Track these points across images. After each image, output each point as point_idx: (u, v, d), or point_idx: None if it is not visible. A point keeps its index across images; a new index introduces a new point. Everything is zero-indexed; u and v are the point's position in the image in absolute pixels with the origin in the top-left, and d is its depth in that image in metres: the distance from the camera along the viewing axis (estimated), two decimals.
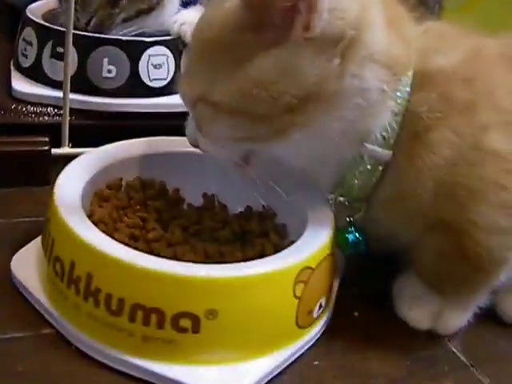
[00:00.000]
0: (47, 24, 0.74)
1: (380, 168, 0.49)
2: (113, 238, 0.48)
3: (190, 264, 0.45)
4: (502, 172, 0.48)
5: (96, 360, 0.46)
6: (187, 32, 0.73)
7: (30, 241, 0.57)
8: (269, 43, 0.44)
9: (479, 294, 0.53)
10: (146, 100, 0.73)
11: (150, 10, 0.76)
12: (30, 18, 0.75)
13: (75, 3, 0.68)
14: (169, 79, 0.75)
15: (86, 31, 0.73)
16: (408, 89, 0.48)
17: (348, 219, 0.53)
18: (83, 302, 0.46)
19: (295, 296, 0.47)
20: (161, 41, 0.73)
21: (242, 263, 0.46)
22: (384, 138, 0.48)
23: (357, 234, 0.53)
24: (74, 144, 0.71)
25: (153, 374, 0.44)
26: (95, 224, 0.50)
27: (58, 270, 0.48)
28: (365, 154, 0.49)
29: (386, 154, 0.49)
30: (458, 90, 0.48)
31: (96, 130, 0.72)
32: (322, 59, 0.44)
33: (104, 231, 0.49)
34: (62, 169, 0.58)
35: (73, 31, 0.67)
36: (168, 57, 0.74)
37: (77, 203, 0.50)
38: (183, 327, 0.44)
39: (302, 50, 0.44)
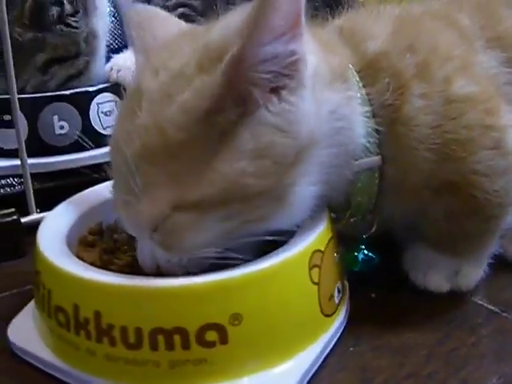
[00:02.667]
0: None
1: (376, 175, 0.48)
2: None
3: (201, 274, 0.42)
4: (482, 113, 0.47)
5: None
6: (126, 78, 0.73)
7: (18, 312, 0.52)
8: (241, 117, 0.40)
9: (491, 243, 0.52)
10: (102, 150, 0.70)
11: (79, 73, 0.76)
12: None
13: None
14: None
15: None
16: (362, 89, 0.47)
17: (362, 237, 0.51)
18: (97, 345, 0.41)
19: (313, 282, 0.44)
20: (105, 87, 0.71)
21: (254, 261, 0.43)
22: (368, 145, 0.47)
23: (369, 253, 0.51)
24: (42, 209, 0.67)
25: None
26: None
27: (62, 319, 0.43)
28: (358, 169, 0.47)
29: (376, 159, 0.47)
30: (403, 60, 0.47)
31: (60, 189, 0.68)
32: None
33: None
34: (35, 237, 0.54)
35: (18, 96, 0.64)
36: (116, 102, 0.72)
37: (64, 249, 0.47)
38: (210, 341, 0.40)
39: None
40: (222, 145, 0.40)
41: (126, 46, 0.79)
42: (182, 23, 0.54)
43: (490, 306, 0.51)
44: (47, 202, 0.67)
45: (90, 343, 0.42)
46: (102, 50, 0.78)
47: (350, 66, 0.47)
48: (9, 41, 0.62)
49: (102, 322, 0.41)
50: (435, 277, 0.52)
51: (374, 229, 0.51)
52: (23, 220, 0.66)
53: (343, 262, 0.50)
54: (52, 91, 0.74)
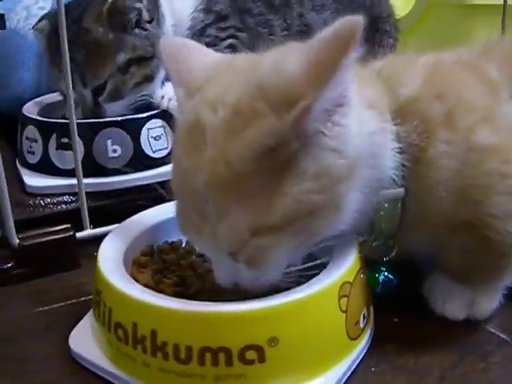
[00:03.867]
0: (48, 119, 0.79)
1: (399, 205, 0.54)
2: None
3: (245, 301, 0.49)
4: (500, 162, 0.53)
5: None
6: (176, 106, 0.80)
7: (78, 321, 0.61)
8: (303, 145, 0.45)
9: (505, 277, 0.58)
10: (153, 171, 0.79)
11: (152, 75, 0.85)
12: (30, 117, 0.81)
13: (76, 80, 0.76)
14: (169, 148, 0.80)
15: (96, 105, 0.81)
16: (394, 127, 0.53)
17: (383, 259, 0.58)
18: (152, 359, 0.49)
19: (341, 310, 0.51)
20: (155, 114, 0.79)
21: (291, 290, 0.50)
22: (394, 177, 0.53)
23: (389, 275, 0.58)
24: (95, 225, 0.76)
25: None
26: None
27: (121, 335, 0.51)
28: (383, 198, 0.54)
29: (400, 191, 0.54)
30: (432, 107, 0.53)
31: (112, 207, 0.77)
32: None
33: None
34: (89, 250, 0.63)
35: (76, 121, 0.72)
36: (165, 127, 0.80)
37: (123, 271, 0.55)
38: (250, 359, 0.48)
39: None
40: (287, 170, 0.45)
41: None
42: (212, 53, 0.58)
43: (501, 335, 0.57)
44: (99, 219, 0.76)
45: (146, 357, 0.49)
46: None
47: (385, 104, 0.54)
48: (69, 69, 0.70)
49: (158, 339, 0.49)
50: (452, 305, 0.58)
51: (394, 253, 0.57)
52: (78, 235, 0.75)
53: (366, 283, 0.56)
54: (129, 91, 0.83)
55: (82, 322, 0.61)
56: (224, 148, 0.45)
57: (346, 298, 0.51)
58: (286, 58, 0.46)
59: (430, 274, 0.61)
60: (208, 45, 0.86)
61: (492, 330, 0.58)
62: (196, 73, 0.53)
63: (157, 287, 0.57)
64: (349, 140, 0.47)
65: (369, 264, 0.57)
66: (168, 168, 0.77)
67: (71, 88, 0.70)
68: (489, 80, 0.57)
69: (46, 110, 0.88)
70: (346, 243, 0.55)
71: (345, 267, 0.52)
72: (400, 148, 0.53)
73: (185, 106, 0.52)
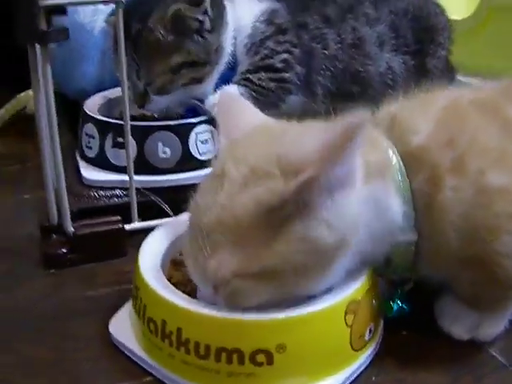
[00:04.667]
0: (106, 119, 0.89)
1: (412, 248, 0.59)
2: (191, 295, 0.60)
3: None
4: (509, 203, 0.56)
5: None
6: None
7: (119, 306, 0.70)
8: (299, 211, 0.52)
9: (511, 306, 0.63)
10: (198, 172, 0.87)
11: (201, 79, 0.92)
12: (89, 115, 0.90)
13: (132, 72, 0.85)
14: (216, 151, 0.88)
15: (145, 95, 0.90)
16: (403, 175, 0.58)
17: (398, 291, 0.64)
18: (176, 352, 0.58)
19: (347, 325, 0.58)
20: (204, 120, 0.87)
21: (300, 305, 0.57)
22: (405, 224, 0.58)
23: (403, 305, 0.63)
24: (143, 218, 0.85)
25: None
26: (175, 285, 0.62)
27: (152, 328, 0.60)
28: (395, 243, 0.59)
29: (412, 236, 0.59)
30: (442, 154, 0.57)
31: (156, 204, 0.86)
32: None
33: (183, 291, 0.61)
34: (135, 240, 0.72)
35: (130, 123, 0.81)
36: (212, 131, 0.88)
37: (159, 272, 0.63)
38: (260, 362, 0.55)
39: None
40: (279, 229, 0.52)
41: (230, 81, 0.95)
42: (259, 115, 0.66)
43: (501, 359, 0.62)
44: (148, 212, 0.85)
45: (171, 349, 0.58)
46: (222, 64, 0.94)
47: (394, 152, 0.59)
48: (125, 75, 0.78)
49: (182, 336, 0.57)
50: (458, 326, 0.63)
51: (409, 286, 0.64)
52: (127, 227, 0.84)
53: (380, 308, 0.63)
54: (175, 89, 0.90)
55: (122, 309, 0.70)
56: (234, 197, 0.53)
57: (352, 315, 0.58)
58: (306, 134, 0.54)
59: (441, 294, 0.66)
60: (265, 57, 0.94)
61: (493, 354, 0.63)
62: (240, 131, 0.61)
63: (186, 286, 0.66)
64: (345, 219, 0.53)
65: (384, 290, 0.64)
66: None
67: (127, 94, 0.78)
68: (505, 119, 0.60)
69: (106, 105, 0.97)
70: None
71: (354, 287, 0.59)
72: (410, 196, 0.58)
73: (220, 155, 0.61)
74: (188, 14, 0.88)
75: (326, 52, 0.98)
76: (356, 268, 0.59)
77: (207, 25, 0.90)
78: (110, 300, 0.74)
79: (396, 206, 0.58)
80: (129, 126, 0.80)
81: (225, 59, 0.94)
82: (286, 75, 0.95)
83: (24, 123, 0.84)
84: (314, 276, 0.55)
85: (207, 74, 0.92)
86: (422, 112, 0.62)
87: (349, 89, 1.02)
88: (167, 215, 0.84)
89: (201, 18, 0.89)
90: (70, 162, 0.94)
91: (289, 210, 0.51)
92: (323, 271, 0.55)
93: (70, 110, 1.12)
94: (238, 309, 0.55)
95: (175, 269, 0.69)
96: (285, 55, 0.95)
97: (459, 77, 1.38)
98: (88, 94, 1.07)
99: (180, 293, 0.60)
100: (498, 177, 0.57)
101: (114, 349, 0.65)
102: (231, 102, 0.67)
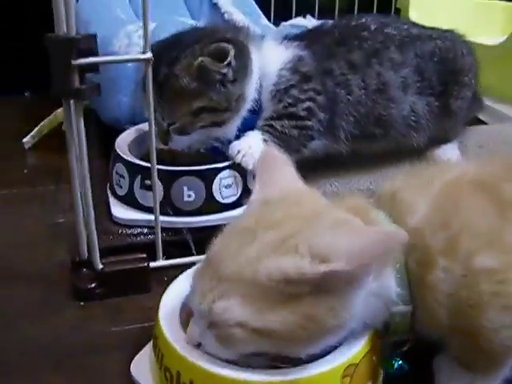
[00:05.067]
0: (135, 161, 0.95)
1: (409, 315, 0.64)
2: None
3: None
4: (496, 283, 0.60)
5: None
6: (249, 164, 0.94)
7: (141, 344, 0.76)
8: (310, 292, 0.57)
9: (502, 370, 0.67)
10: (220, 215, 0.93)
11: (221, 123, 0.97)
12: (120, 156, 0.97)
13: (157, 112, 0.92)
14: (238, 195, 0.95)
15: (167, 132, 0.96)
16: (398, 257, 0.62)
17: (397, 351, 0.68)
18: None
19: None
20: (229, 165, 0.93)
21: (296, 368, 0.62)
22: (401, 298, 0.63)
23: (403, 364, 0.69)
24: (167, 256, 0.92)
25: None
26: None
27: (168, 376, 0.66)
28: (392, 313, 0.64)
29: (407, 308, 0.64)
30: (435, 237, 0.61)
31: (183, 243, 0.92)
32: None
33: None
34: (159, 276, 0.83)
35: (157, 166, 0.87)
36: (236, 177, 0.94)
37: (177, 323, 0.69)
38: None
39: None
40: (288, 298, 0.56)
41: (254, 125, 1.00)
42: (295, 179, 0.70)
43: None
44: (171, 251, 0.92)
45: None
46: (244, 111, 0.98)
47: None
48: (152, 110, 0.84)
49: None
50: None
51: (407, 347, 0.68)
52: (152, 264, 0.91)
53: (380, 364, 0.69)
54: (194, 130, 0.96)
55: (144, 348, 0.76)
56: (261, 258, 0.58)
57: (348, 377, 0.63)
58: (340, 227, 0.59)
59: (439, 352, 0.70)
60: (289, 105, 0.99)
61: None
62: (274, 191, 0.67)
63: None
64: (350, 309, 0.58)
65: (384, 347, 0.69)
66: (235, 212, 0.93)
67: (154, 140, 0.85)
68: (503, 201, 0.64)
69: (137, 140, 1.04)
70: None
71: (351, 353, 0.64)
72: (405, 277, 0.63)
73: (253, 209, 0.66)
74: (211, 67, 0.93)
75: (349, 98, 1.02)
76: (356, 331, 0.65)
77: (230, 76, 0.94)
78: (134, 337, 0.81)
79: (392, 285, 0.63)
80: (155, 170, 0.86)
81: (247, 106, 0.98)
82: (309, 123, 1.00)
83: (61, 139, 0.91)
84: (309, 343, 0.60)
85: (227, 119, 0.97)
86: (421, 192, 0.66)
87: (371, 131, 1.06)
88: (190, 254, 0.91)
89: (224, 71, 0.94)
90: (99, 194, 1.00)
91: (305, 288, 0.56)
92: (318, 341, 0.60)
93: (105, 134, 1.20)
94: (226, 352, 0.61)
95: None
96: (308, 103, 0.99)
97: (488, 102, 1.42)
98: (121, 124, 1.14)
99: (195, 349, 0.66)
100: (486, 259, 0.60)
101: None
102: (273, 161, 0.71)
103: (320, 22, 1.30)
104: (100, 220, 0.94)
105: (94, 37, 0.77)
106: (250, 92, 0.98)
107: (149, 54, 0.79)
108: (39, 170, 1.37)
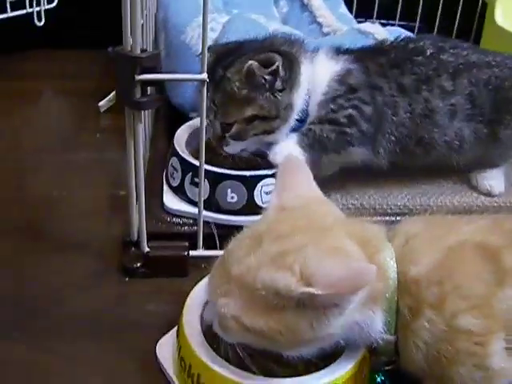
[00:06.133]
0: (188, 159, 1.06)
1: (392, 343, 0.72)
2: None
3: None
4: (472, 344, 0.66)
5: None
6: (278, 161, 1.02)
7: (173, 326, 0.89)
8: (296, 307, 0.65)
9: None
10: (258, 216, 1.04)
11: (272, 131, 1.07)
12: (176, 150, 1.09)
13: (211, 112, 1.04)
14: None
15: (222, 138, 1.07)
16: (390, 294, 0.70)
17: (383, 368, 0.77)
18: None
19: None
20: (271, 174, 1.03)
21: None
22: (385, 330, 0.71)
23: (386, 380, 0.77)
24: (207, 247, 1.05)
25: None
26: None
27: (183, 365, 0.80)
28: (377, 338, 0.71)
29: (391, 338, 0.71)
30: (428, 290, 0.68)
31: (222, 237, 1.04)
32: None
33: None
34: (198, 264, 0.96)
35: (206, 167, 0.99)
36: None
37: (197, 324, 0.82)
38: None
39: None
40: (276, 309, 0.65)
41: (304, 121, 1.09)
42: (316, 191, 0.79)
43: None
44: (211, 243, 1.05)
45: None
46: (292, 119, 1.07)
47: (395, 276, 0.70)
48: (204, 124, 0.95)
49: (200, 380, 0.76)
50: None
51: (391, 367, 0.77)
52: (191, 253, 1.05)
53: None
54: (249, 137, 1.06)
55: (171, 331, 0.90)
56: (260, 267, 0.66)
57: None
58: (330, 260, 0.66)
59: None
60: (331, 111, 1.06)
61: None
62: (289, 195, 0.75)
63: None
64: (327, 329, 0.66)
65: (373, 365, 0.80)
66: None
67: (204, 147, 0.96)
68: (501, 269, 0.69)
69: (195, 134, 1.15)
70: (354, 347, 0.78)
71: (338, 373, 0.75)
72: (393, 316, 0.70)
73: (268, 215, 0.76)
74: (258, 72, 1.02)
75: (394, 118, 1.08)
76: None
77: (278, 84, 1.03)
78: (166, 317, 0.94)
79: (378, 319, 0.70)
80: (203, 170, 0.97)
81: (295, 115, 1.07)
82: (348, 130, 1.05)
83: None
84: (288, 348, 0.69)
85: (278, 128, 1.06)
86: (430, 248, 0.72)
87: (412, 150, 1.12)
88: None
89: (269, 78, 1.02)
90: (156, 179, 1.15)
91: (290, 302, 0.64)
92: (297, 348, 0.69)
93: (174, 116, 1.33)
94: (225, 336, 0.71)
95: None
96: (350, 110, 1.05)
97: None
98: (186, 110, 1.27)
99: (206, 348, 0.79)
100: (469, 321, 0.66)
101: (157, 367, 0.86)
102: (293, 168, 0.79)
103: (385, 28, 1.37)
104: (153, 206, 1.08)
105: (158, 55, 0.88)
106: (299, 102, 1.07)
107: (204, 75, 0.89)
108: (110, 136, 1.47)
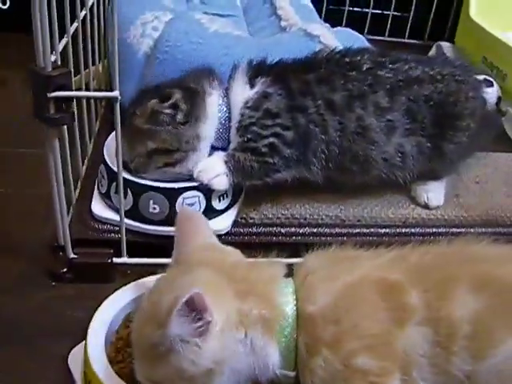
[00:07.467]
0: (113, 168, 1.10)
1: (293, 378, 0.73)
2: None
3: None
4: (368, 383, 0.68)
5: None
6: (203, 179, 1.08)
7: None
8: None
9: None
10: None
11: (175, 163, 1.11)
12: (104, 158, 1.14)
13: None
14: (201, 212, 1.10)
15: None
16: (289, 329, 0.72)
17: None
18: None
19: None
20: (191, 186, 1.09)
21: None
22: (285, 361, 0.72)
23: None
24: (131, 255, 1.11)
25: None
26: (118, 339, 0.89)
27: (86, 380, 0.87)
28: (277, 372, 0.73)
29: (291, 374, 0.73)
30: (324, 329, 0.70)
31: (145, 245, 1.11)
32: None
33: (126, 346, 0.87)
34: (123, 270, 1.03)
35: (128, 177, 1.06)
36: (199, 196, 1.10)
37: (102, 346, 0.87)
38: None
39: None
40: (161, 358, 0.69)
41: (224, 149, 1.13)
42: (210, 241, 0.84)
43: None
44: (134, 251, 1.12)
45: None
46: (203, 149, 1.11)
47: (293, 312, 0.73)
48: (119, 139, 1.01)
49: None
50: None
51: None
52: (115, 260, 1.11)
53: None
54: (149, 171, 1.10)
55: (84, 341, 0.97)
56: (140, 326, 0.73)
57: None
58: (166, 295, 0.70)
59: None
60: (249, 140, 1.09)
61: None
62: (185, 249, 0.81)
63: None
64: (205, 356, 0.69)
65: None
66: None
67: (121, 159, 1.02)
68: (401, 306, 0.71)
69: None
70: None
71: None
72: (292, 351, 0.72)
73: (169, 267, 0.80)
74: (157, 108, 1.07)
75: (323, 137, 1.10)
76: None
77: (180, 117, 1.08)
78: (86, 324, 0.99)
79: (276, 354, 0.72)
80: (121, 180, 1.03)
81: (207, 143, 1.11)
82: (271, 160, 1.08)
83: None
84: None
85: (180, 160, 1.10)
86: (329, 283, 0.74)
87: (348, 167, 1.14)
88: (150, 255, 1.10)
89: (168, 111, 1.07)
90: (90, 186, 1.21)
91: (162, 348, 0.68)
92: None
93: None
94: None
95: (126, 325, 0.92)
96: (271, 139, 1.07)
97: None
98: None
99: (105, 365, 0.84)
100: (365, 361, 0.69)
101: (66, 374, 0.92)
102: (189, 219, 0.85)
103: (335, 30, 1.39)
104: (83, 211, 1.15)
105: (69, 72, 0.94)
106: (209, 133, 1.11)
107: (116, 93, 0.95)
108: None
